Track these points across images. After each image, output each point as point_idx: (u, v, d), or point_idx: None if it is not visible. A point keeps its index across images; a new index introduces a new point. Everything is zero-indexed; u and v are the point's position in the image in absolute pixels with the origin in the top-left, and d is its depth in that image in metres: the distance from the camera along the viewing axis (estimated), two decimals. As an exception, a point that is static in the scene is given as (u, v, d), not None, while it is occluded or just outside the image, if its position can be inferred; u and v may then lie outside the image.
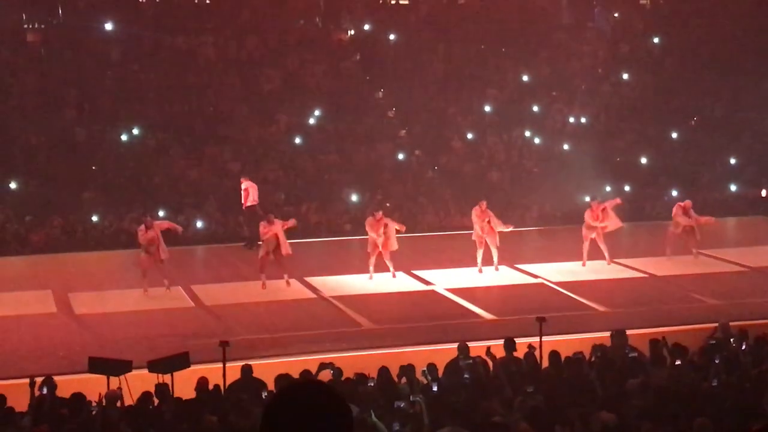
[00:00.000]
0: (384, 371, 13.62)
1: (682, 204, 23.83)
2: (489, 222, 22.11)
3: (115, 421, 11.92)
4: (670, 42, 35.62)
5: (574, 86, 33.59)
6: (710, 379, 12.82)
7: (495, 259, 22.28)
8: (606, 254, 22.80)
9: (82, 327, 18.61)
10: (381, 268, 21.79)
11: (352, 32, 34.11)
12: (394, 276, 21.69)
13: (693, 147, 32.62)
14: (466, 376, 13.50)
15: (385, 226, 21.52)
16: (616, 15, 36.57)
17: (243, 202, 25.32)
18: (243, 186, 25.40)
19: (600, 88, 33.74)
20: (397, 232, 21.67)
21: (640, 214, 29.69)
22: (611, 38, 35.79)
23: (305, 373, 13.93)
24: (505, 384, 12.81)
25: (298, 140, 30.46)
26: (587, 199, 30.01)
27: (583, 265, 22.74)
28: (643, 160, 31.85)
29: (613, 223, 22.91)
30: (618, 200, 23.65)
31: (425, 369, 13.91)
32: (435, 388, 12.73)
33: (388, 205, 27.32)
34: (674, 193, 30.20)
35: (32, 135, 28.41)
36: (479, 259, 22.18)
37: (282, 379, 13.27)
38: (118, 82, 30.45)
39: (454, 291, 20.99)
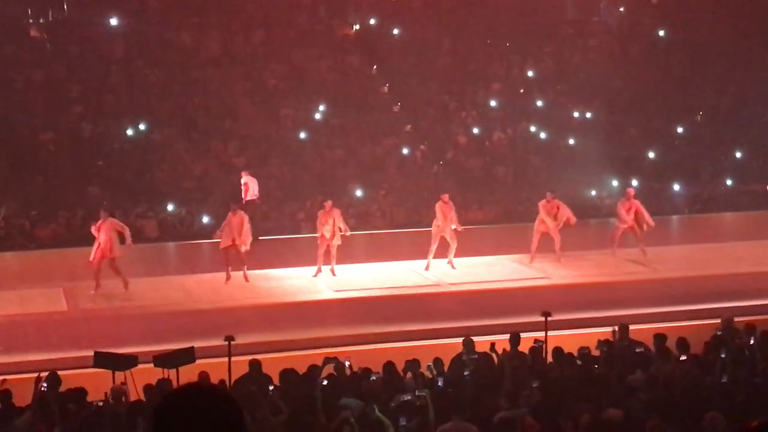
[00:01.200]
0: (389, 366, 13.61)
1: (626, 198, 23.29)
2: (449, 216, 21.93)
3: (120, 416, 11.92)
4: (675, 36, 35.54)
5: (580, 81, 33.53)
6: (717, 373, 12.80)
7: (451, 254, 22.00)
8: (558, 248, 22.51)
9: (88, 321, 18.62)
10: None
11: (357, 27, 34.08)
12: (333, 273, 21.46)
13: (698, 141, 32.58)
14: (466, 372, 13.48)
15: (334, 219, 21.46)
16: (621, 9, 36.49)
17: (243, 196, 25.26)
18: (243, 180, 25.45)
19: (605, 82, 33.68)
20: (342, 232, 21.41)
21: (646, 209, 29.60)
22: (617, 32, 35.72)
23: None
24: (510, 379, 12.79)
25: (303, 135, 30.46)
26: (594, 193, 30.14)
27: (531, 261, 22.53)
28: (650, 155, 31.81)
29: (563, 217, 22.57)
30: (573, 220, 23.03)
31: (430, 364, 13.89)
32: (440, 383, 12.72)
33: (382, 192, 27.27)
34: (676, 187, 30.22)
35: (38, 130, 28.44)
36: (431, 255, 21.93)
37: (287, 373, 13.27)
38: (123, 77, 30.46)
39: (457, 286, 20.99)
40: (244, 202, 25.12)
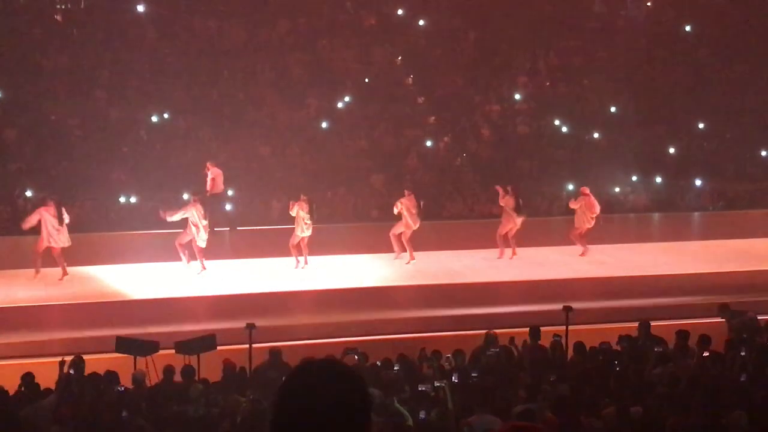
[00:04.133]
0: (409, 357, 13.64)
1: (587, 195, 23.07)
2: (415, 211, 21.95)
3: (139, 401, 12.00)
4: (702, 31, 35.32)
5: (605, 75, 33.38)
6: (737, 371, 12.75)
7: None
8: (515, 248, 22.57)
9: (111, 306, 18.74)
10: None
11: (383, 18, 34.03)
12: (306, 263, 21.55)
13: (722, 138, 32.40)
14: (488, 364, 13.50)
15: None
16: (648, 4, 36.30)
17: (208, 188, 24.61)
18: (209, 173, 24.63)
19: (631, 77, 33.52)
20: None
21: (669, 205, 29.60)
22: (643, 27, 35.53)
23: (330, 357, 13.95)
24: (530, 373, 12.80)
25: (326, 125, 30.49)
26: (617, 189, 30.05)
27: (500, 257, 22.46)
28: (672, 151, 31.67)
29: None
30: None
31: (450, 355, 13.91)
32: (460, 375, 12.73)
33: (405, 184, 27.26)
34: (698, 182, 30.13)
35: (64, 115, 28.60)
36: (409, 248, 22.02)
37: (306, 361, 13.28)
38: (149, 64, 30.55)
39: (478, 277, 21.00)
40: (208, 194, 24.43)
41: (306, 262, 21.57)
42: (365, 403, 3.46)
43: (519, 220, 22.35)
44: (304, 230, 21.44)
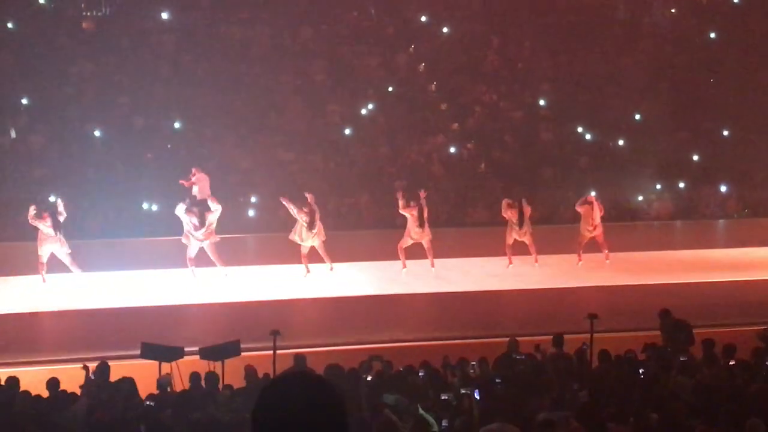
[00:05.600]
0: (433, 364, 13.62)
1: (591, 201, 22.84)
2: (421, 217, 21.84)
3: (164, 407, 12.03)
4: (727, 38, 35.15)
5: (629, 82, 33.28)
6: (762, 381, 12.65)
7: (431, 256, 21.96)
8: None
9: (136, 312, 18.81)
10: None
11: (406, 24, 34.06)
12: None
13: (747, 145, 32.23)
14: (513, 371, 13.45)
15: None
16: (672, 11, 36.17)
17: (195, 194, 23.83)
18: (194, 178, 23.96)
19: (655, 83, 33.41)
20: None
21: (693, 212, 29.49)
22: (667, 34, 35.40)
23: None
24: (555, 381, 12.74)
25: (349, 132, 30.54)
26: (640, 197, 29.95)
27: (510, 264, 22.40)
28: (696, 158, 31.55)
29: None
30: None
31: (475, 363, 13.88)
32: (485, 383, 12.69)
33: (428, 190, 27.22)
34: (723, 188, 29.98)
35: (88, 122, 28.77)
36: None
37: (331, 368, 13.30)
38: (173, 71, 30.71)
39: (500, 285, 20.97)
40: (198, 199, 23.51)
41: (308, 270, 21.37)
42: (339, 413, 3.48)
43: (521, 232, 22.27)
44: (303, 237, 21.23)
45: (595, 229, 22.58)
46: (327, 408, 3.46)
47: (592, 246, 22.71)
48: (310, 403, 3.45)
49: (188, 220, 20.82)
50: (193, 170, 24.19)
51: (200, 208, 21.63)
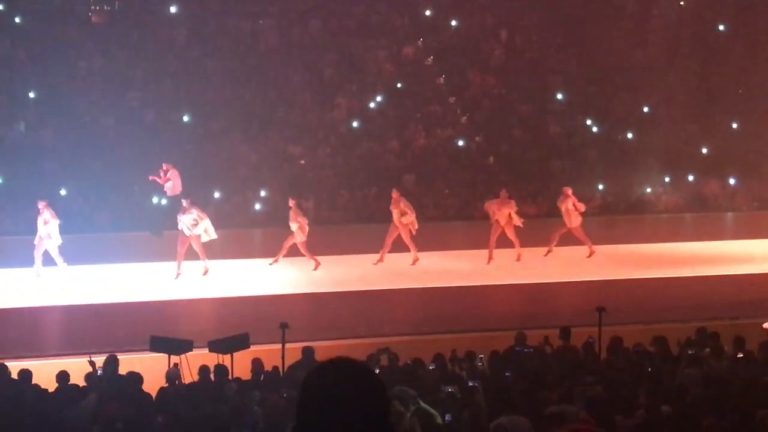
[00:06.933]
0: (440, 357, 13.64)
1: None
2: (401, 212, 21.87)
3: (173, 400, 12.08)
4: (736, 30, 35.03)
5: (638, 74, 33.18)
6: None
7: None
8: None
9: (145, 306, 18.87)
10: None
11: (415, 17, 34.01)
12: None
13: (756, 137, 32.11)
14: (521, 364, 13.47)
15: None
16: (681, 3, 36.04)
17: (167, 191, 23.94)
18: (168, 174, 23.73)
19: (663, 76, 33.30)
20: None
21: (702, 206, 29.44)
22: (676, 26, 35.28)
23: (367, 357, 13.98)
24: (563, 373, 12.76)
25: (357, 125, 30.55)
26: (649, 190, 29.92)
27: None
28: (705, 151, 31.47)
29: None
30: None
31: (482, 356, 13.90)
32: (493, 376, 12.72)
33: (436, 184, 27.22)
34: (732, 182, 29.91)
35: (98, 115, 28.82)
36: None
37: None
38: (182, 65, 30.73)
39: (507, 279, 20.99)
40: (170, 195, 23.92)
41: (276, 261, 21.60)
42: (384, 401, 3.56)
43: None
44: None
45: (572, 222, 22.59)
46: (372, 393, 3.53)
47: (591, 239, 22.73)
48: (357, 387, 3.52)
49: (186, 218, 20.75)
50: (165, 166, 23.69)
51: (173, 204, 21.61)
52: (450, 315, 18.44)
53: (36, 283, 20.24)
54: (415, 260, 21.92)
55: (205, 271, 20.81)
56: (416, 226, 21.85)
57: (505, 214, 22.22)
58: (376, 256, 22.12)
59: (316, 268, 21.44)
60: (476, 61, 32.90)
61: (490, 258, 22.21)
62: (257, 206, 27.52)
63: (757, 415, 10.03)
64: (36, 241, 20.47)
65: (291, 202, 21.87)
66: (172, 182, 23.70)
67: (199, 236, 20.62)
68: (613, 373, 12.77)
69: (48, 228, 20.30)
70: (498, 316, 18.35)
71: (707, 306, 18.70)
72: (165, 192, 24.02)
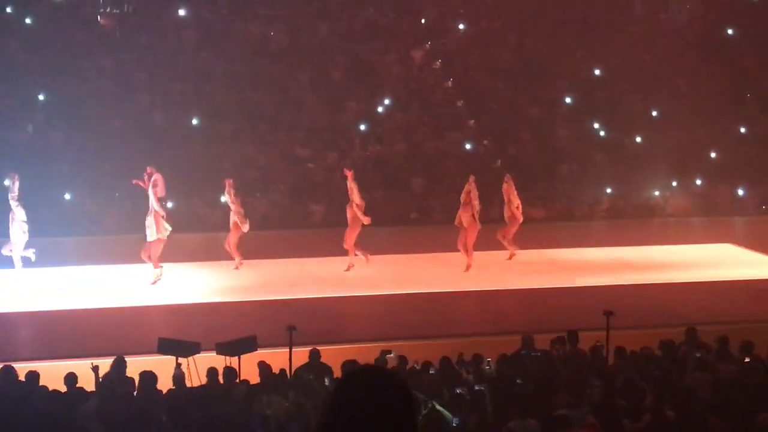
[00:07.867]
0: (446, 360, 13.65)
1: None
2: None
3: (181, 402, 12.10)
4: (745, 35, 34.98)
5: (646, 78, 33.16)
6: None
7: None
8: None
9: (154, 309, 18.91)
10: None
11: (423, 21, 34.05)
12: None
13: (765, 142, 32.07)
14: (529, 368, 13.47)
15: None
16: (689, 6, 36.01)
17: (150, 193, 22.81)
18: (153, 177, 22.68)
19: (672, 80, 33.28)
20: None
21: (710, 210, 29.39)
22: (685, 30, 35.24)
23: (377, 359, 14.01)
24: (571, 377, 12.75)
25: (366, 128, 30.57)
26: (657, 193, 29.88)
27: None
28: (713, 155, 31.42)
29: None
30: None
31: (489, 359, 13.91)
32: (500, 379, 12.72)
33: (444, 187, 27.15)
34: (740, 191, 29.86)
35: (107, 117, 28.89)
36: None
37: (348, 364, 13.35)
38: (191, 67, 30.79)
39: (516, 282, 20.98)
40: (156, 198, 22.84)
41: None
42: (412, 410, 3.67)
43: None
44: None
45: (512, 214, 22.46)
46: (401, 401, 3.64)
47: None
48: (387, 394, 3.63)
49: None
50: (149, 169, 23.59)
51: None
52: (456, 318, 18.44)
53: (43, 287, 20.27)
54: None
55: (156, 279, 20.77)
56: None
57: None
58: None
59: (237, 268, 21.57)
60: (484, 65, 32.90)
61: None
62: (266, 208, 27.52)
63: (758, 418, 10.03)
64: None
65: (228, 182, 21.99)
66: (159, 185, 23.62)
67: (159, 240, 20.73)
68: (620, 377, 12.75)
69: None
70: (504, 319, 18.34)
71: (715, 310, 18.68)
72: (148, 196, 23.95)
